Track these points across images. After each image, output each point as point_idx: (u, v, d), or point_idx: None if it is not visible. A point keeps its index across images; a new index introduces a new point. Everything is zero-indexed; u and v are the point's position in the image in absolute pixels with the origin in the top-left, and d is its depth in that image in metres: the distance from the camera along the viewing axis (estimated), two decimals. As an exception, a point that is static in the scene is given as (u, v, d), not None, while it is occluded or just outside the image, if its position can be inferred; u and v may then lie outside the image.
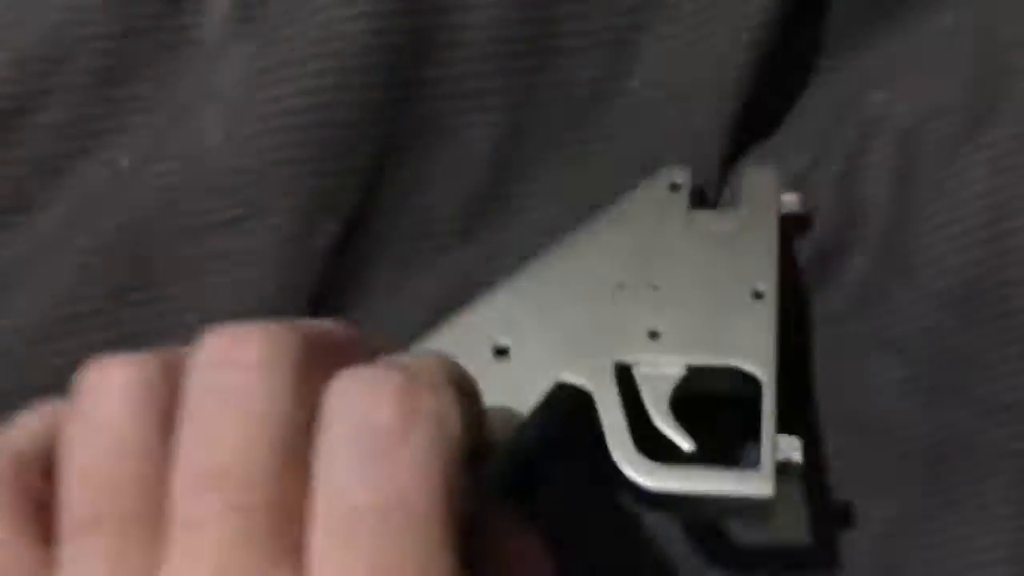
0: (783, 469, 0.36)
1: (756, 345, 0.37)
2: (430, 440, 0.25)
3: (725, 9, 0.42)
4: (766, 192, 0.40)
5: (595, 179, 0.42)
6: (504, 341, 0.38)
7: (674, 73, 0.42)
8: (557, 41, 0.42)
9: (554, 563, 0.31)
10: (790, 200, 0.40)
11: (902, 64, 0.43)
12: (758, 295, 0.38)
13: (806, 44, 0.44)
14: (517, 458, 0.37)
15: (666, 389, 0.37)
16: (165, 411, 0.26)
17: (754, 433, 0.36)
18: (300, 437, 0.26)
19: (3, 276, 0.41)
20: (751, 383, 0.37)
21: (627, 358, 0.37)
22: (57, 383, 0.38)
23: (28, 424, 0.29)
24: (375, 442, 0.25)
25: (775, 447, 0.36)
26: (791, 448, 0.36)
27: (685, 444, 0.36)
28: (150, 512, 0.25)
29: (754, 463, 0.36)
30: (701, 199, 0.41)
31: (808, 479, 0.39)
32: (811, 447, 0.39)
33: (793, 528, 0.39)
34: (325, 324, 0.30)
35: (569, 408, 0.38)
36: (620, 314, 0.38)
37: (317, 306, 0.40)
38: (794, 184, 0.41)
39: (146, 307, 0.40)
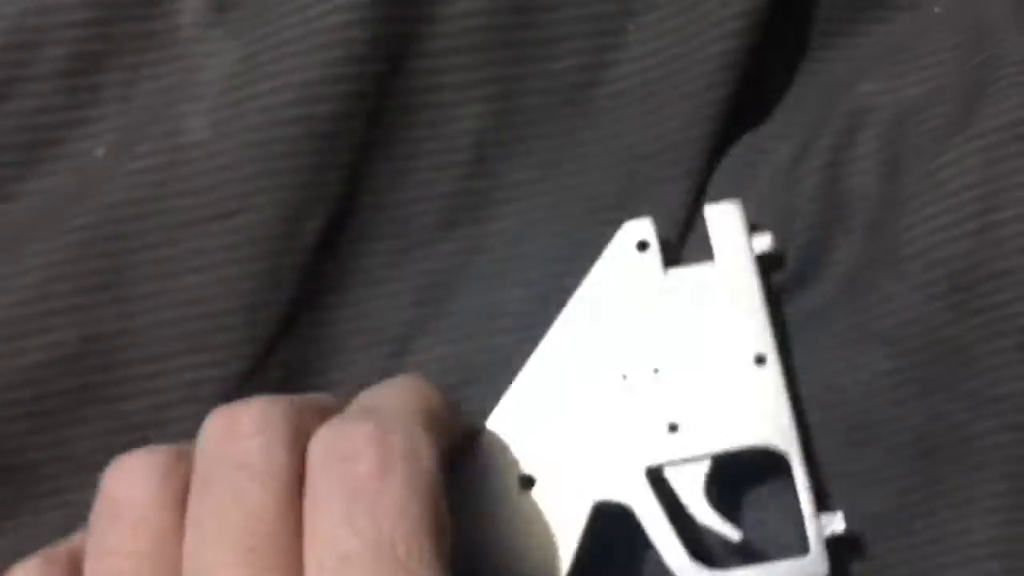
0: (829, 544, 0.37)
1: (772, 417, 0.37)
2: (406, 480, 0.28)
3: None
4: (735, 237, 0.39)
5: (579, 169, 0.42)
6: (527, 470, 0.38)
7: (659, 64, 0.42)
8: (539, 31, 0.42)
9: None
10: (762, 242, 0.39)
11: (890, 54, 0.42)
12: (760, 360, 0.38)
13: (793, 34, 0.44)
14: None
15: (700, 485, 0.37)
16: (180, 490, 0.30)
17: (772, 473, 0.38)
18: (296, 491, 0.28)
19: (-29, 271, 0.40)
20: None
21: (654, 461, 0.37)
22: (28, 382, 0.39)
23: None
24: (356, 490, 0.27)
25: (819, 526, 0.37)
26: (834, 523, 0.37)
27: (735, 535, 0.37)
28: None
29: (794, 544, 0.37)
30: (672, 244, 0.41)
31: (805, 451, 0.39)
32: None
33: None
34: (309, 394, 0.33)
35: (605, 523, 0.38)
36: (633, 412, 0.38)
37: (300, 304, 0.40)
38: (783, 175, 0.41)
39: (120, 306, 0.39)
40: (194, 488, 0.29)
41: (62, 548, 0.32)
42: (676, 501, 0.38)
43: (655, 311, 0.39)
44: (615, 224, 0.41)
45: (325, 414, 0.31)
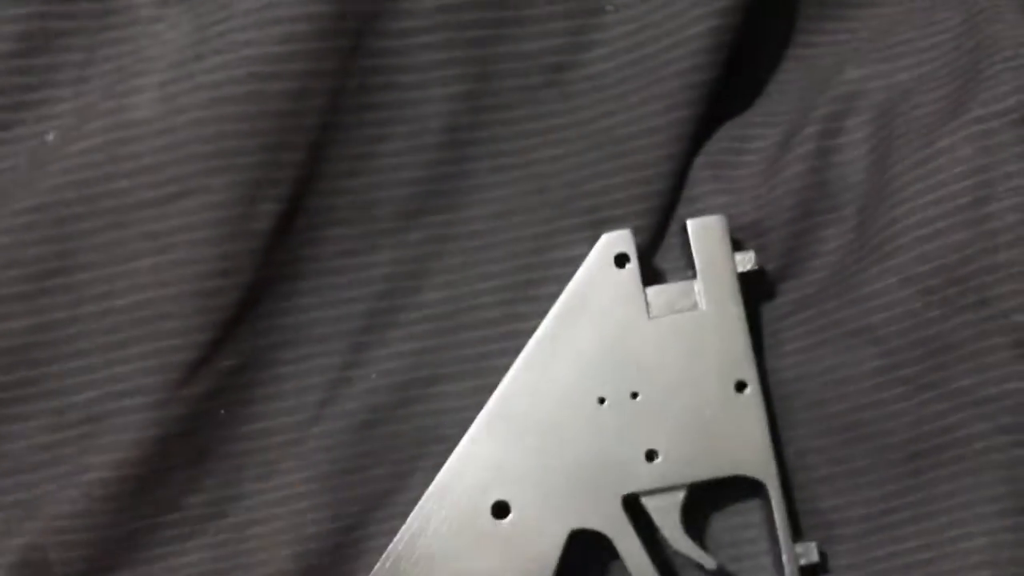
0: (804, 572, 0.37)
1: (752, 446, 0.37)
2: None
3: None
4: (718, 255, 0.38)
5: (555, 156, 0.40)
6: (500, 495, 0.37)
7: (639, 47, 0.40)
8: (516, 11, 0.40)
9: None
10: (744, 259, 0.38)
11: (879, 38, 0.41)
12: (740, 386, 0.37)
13: (778, 18, 0.42)
14: None
15: (676, 513, 0.37)
16: None
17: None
18: None
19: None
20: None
21: (632, 489, 0.37)
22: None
23: None
24: None
25: (794, 556, 0.36)
26: (808, 553, 0.37)
27: (711, 563, 0.37)
28: None
29: (769, 573, 0.38)
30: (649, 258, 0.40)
31: (784, 477, 0.38)
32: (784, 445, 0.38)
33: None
34: None
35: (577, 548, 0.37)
36: (611, 438, 0.37)
37: (258, 290, 0.38)
38: (766, 164, 0.39)
39: (69, 293, 0.37)
40: None
41: None
42: (651, 527, 0.37)
43: (634, 332, 0.37)
44: (591, 214, 0.40)
45: None
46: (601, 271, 0.38)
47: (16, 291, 0.37)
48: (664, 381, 0.37)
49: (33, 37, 0.39)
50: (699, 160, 0.40)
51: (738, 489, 0.38)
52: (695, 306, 0.38)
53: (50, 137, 0.39)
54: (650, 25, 0.40)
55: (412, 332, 0.39)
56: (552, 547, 0.36)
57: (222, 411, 0.38)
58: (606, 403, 0.37)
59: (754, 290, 0.39)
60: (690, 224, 0.38)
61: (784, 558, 0.36)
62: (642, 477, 0.37)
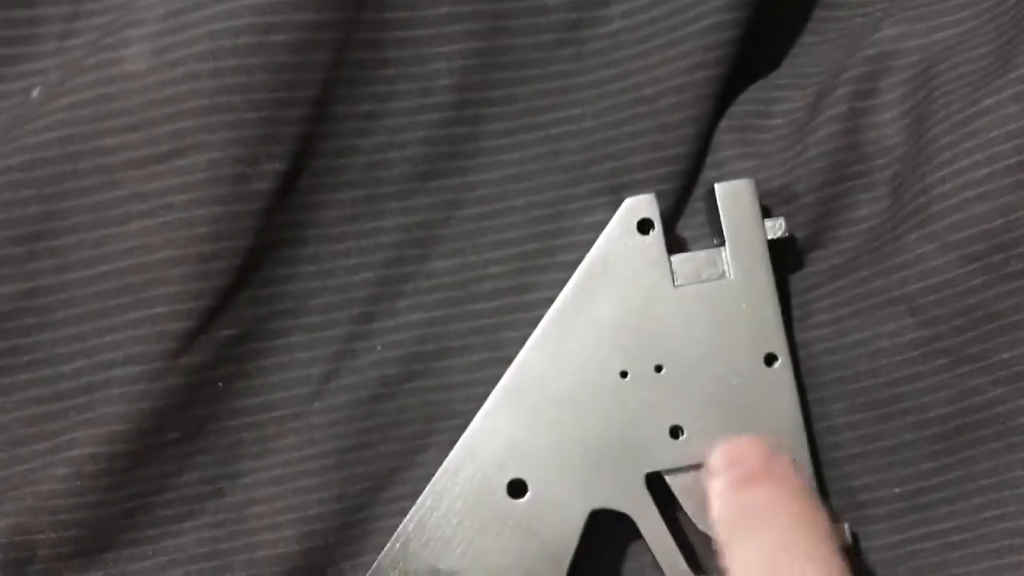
0: None
1: (781, 422, 0.35)
2: None
3: None
4: (747, 222, 0.36)
5: (571, 117, 0.38)
6: (517, 474, 0.35)
7: (661, 3, 0.38)
8: None
9: None
10: (774, 226, 0.36)
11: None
12: (770, 359, 0.35)
13: None
14: None
15: (701, 493, 0.35)
16: None
17: None
18: None
19: None
20: None
21: (655, 467, 0.35)
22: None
23: None
24: None
25: None
26: (839, 535, 0.34)
27: None
28: None
29: None
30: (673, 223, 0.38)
31: (815, 455, 0.36)
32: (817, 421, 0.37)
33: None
34: None
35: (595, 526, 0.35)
36: (633, 414, 0.35)
37: (258, 256, 0.36)
38: (795, 128, 0.38)
39: (56, 257, 0.35)
40: None
41: None
42: (675, 507, 0.35)
43: (658, 302, 0.36)
44: (610, 178, 0.38)
45: None
46: (623, 238, 0.36)
47: (3, 255, 0.35)
48: (690, 354, 0.35)
49: None
50: (724, 123, 0.38)
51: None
52: (723, 275, 0.36)
53: (35, 93, 0.37)
54: None
55: (421, 302, 0.37)
56: (571, 528, 0.35)
57: (219, 384, 0.36)
58: (628, 377, 0.35)
59: (783, 259, 0.37)
60: (718, 188, 0.36)
61: None
62: (666, 454, 0.35)
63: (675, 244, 0.37)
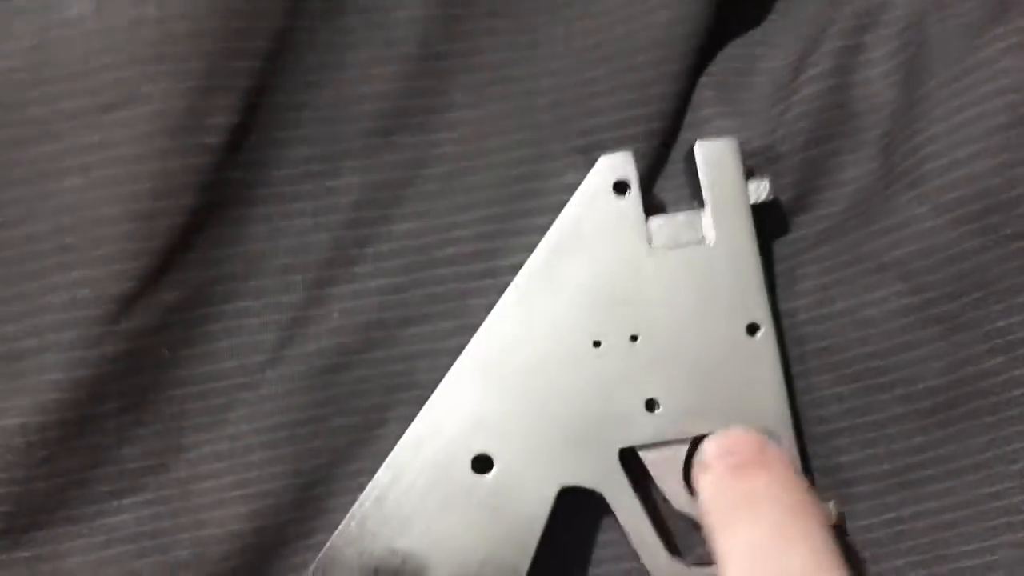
0: None
1: (764, 395, 0.34)
2: None
3: None
4: (729, 183, 0.34)
5: (541, 72, 0.36)
6: (482, 448, 0.34)
7: None
8: None
9: None
10: (758, 188, 0.34)
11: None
12: (752, 329, 0.34)
13: None
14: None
15: (678, 470, 0.34)
16: None
17: None
18: None
19: None
20: None
21: (629, 442, 0.34)
22: None
23: None
24: None
25: None
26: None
27: None
28: None
29: None
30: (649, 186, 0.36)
31: (799, 430, 0.35)
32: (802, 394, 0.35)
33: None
34: None
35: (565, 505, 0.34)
36: (607, 386, 0.34)
37: (205, 215, 0.34)
38: (779, 85, 0.36)
39: None
40: None
41: None
42: (650, 484, 0.34)
43: (634, 268, 0.34)
44: (583, 137, 0.36)
45: None
46: (598, 198, 0.34)
47: None
48: (667, 323, 0.34)
49: None
50: (704, 80, 0.37)
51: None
52: (702, 239, 0.34)
53: None
54: None
55: (381, 267, 0.36)
56: (539, 505, 0.33)
57: (164, 350, 0.34)
58: (602, 346, 0.34)
59: (767, 222, 0.36)
60: (698, 147, 0.34)
61: None
62: (641, 429, 0.33)
63: (653, 207, 0.35)
